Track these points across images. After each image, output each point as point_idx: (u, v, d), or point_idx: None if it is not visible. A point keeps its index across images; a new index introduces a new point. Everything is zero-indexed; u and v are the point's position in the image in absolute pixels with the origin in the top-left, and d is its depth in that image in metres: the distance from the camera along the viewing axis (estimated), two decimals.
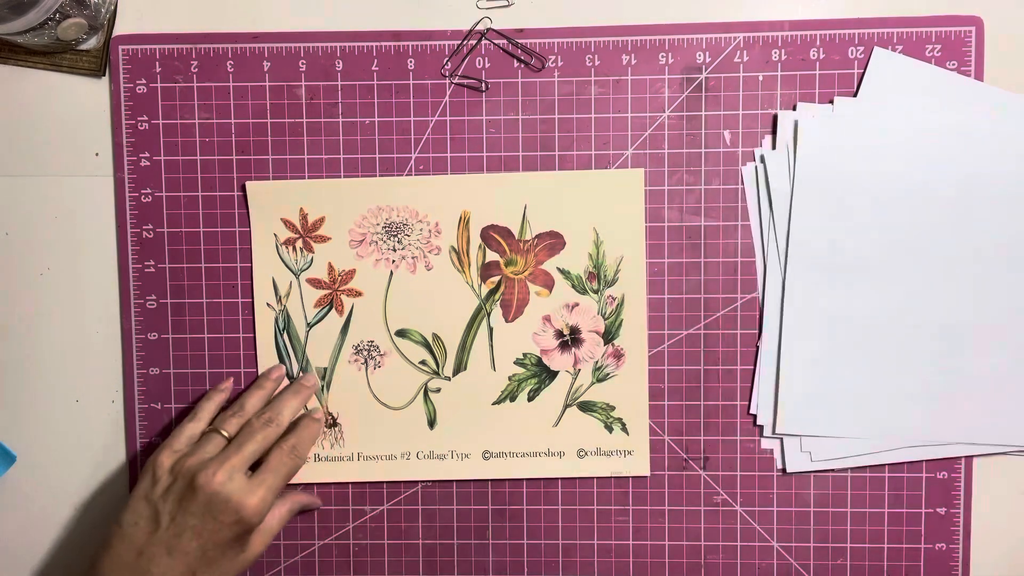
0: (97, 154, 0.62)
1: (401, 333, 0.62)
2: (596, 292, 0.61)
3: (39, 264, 0.63)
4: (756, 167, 0.61)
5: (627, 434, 0.62)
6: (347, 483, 0.63)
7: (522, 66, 0.61)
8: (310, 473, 0.62)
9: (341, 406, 0.62)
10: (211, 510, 0.53)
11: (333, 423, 0.62)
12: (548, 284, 0.62)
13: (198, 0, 0.62)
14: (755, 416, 0.62)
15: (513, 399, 0.62)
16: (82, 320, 0.63)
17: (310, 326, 0.62)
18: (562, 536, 0.63)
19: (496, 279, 0.62)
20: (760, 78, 0.60)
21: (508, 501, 0.63)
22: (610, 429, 0.62)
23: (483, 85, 0.61)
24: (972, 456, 0.61)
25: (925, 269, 0.60)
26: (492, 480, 0.63)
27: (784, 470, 0.62)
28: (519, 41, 0.61)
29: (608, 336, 0.62)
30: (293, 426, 0.59)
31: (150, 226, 0.62)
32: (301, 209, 0.61)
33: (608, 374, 0.62)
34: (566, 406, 0.62)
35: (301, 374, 0.62)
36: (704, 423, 0.62)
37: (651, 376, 0.62)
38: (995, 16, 0.60)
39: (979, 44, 0.60)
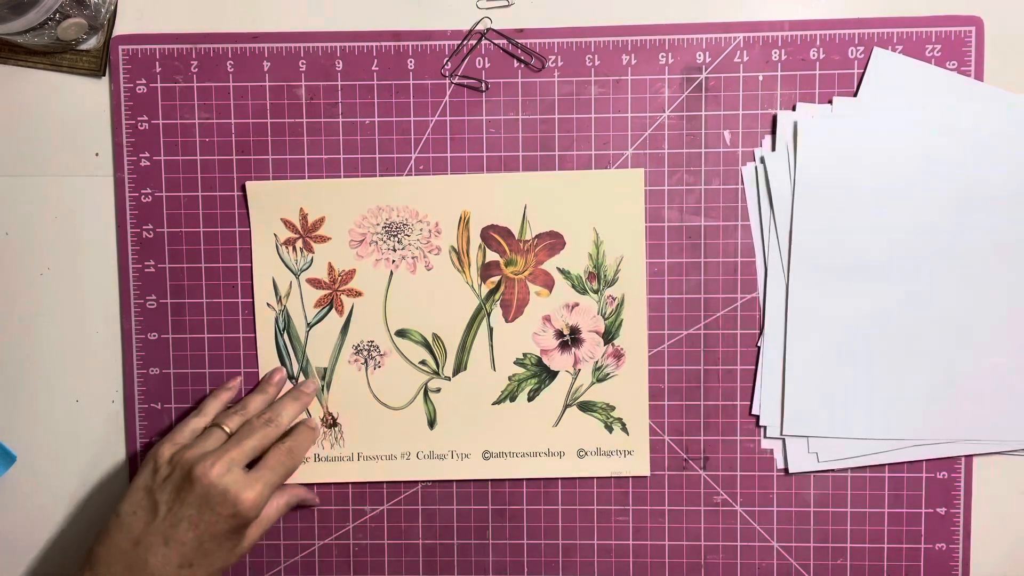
0: (97, 154, 0.62)
1: (401, 333, 0.62)
2: (596, 292, 0.61)
3: (39, 264, 0.63)
4: (756, 167, 0.61)
5: (627, 434, 0.62)
6: (347, 483, 0.63)
7: (522, 66, 0.61)
8: (310, 473, 0.62)
9: (341, 406, 0.62)
10: (208, 501, 0.53)
11: (333, 423, 0.62)
12: (548, 284, 0.62)
13: (198, 0, 0.62)
14: (757, 417, 0.62)
15: (513, 399, 0.62)
16: (82, 320, 0.63)
17: (310, 326, 0.62)
18: (562, 536, 0.63)
19: (496, 279, 0.62)
20: (760, 78, 0.60)
21: (508, 501, 0.63)
22: (610, 429, 0.62)
23: (483, 85, 0.61)
24: (972, 456, 0.61)
25: (925, 269, 0.60)
26: (492, 480, 0.63)
27: (786, 470, 0.62)
28: (519, 41, 0.61)
29: (608, 336, 0.62)
30: (290, 431, 0.59)
31: (150, 226, 0.62)
32: (301, 209, 0.61)
33: (608, 374, 0.62)
34: (566, 406, 0.62)
35: (301, 376, 0.62)
36: (704, 423, 0.62)
37: (651, 376, 0.62)
38: (995, 16, 0.60)
39: (979, 44, 0.60)
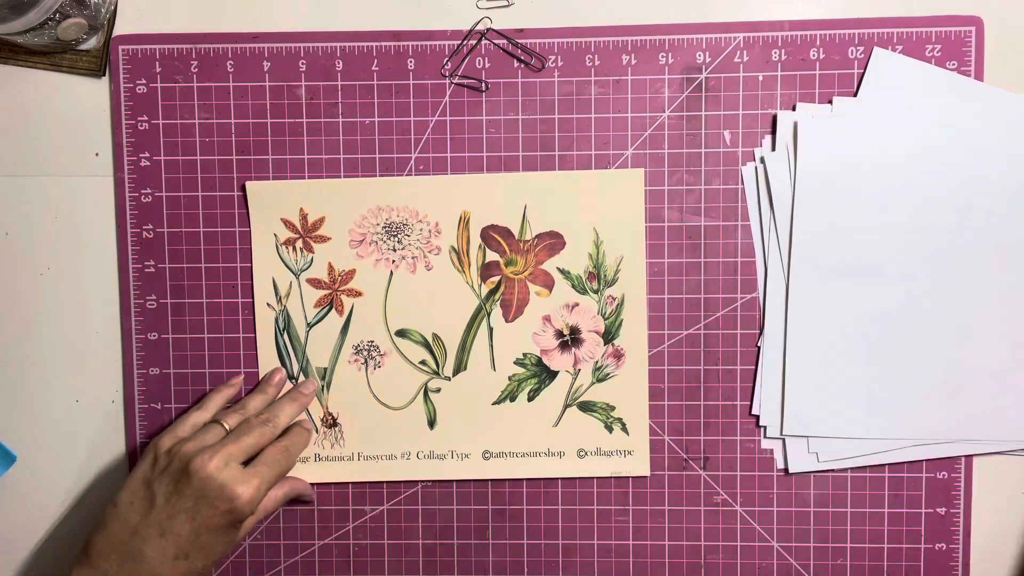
0: (97, 154, 0.62)
1: (401, 333, 0.62)
2: (596, 292, 0.61)
3: (39, 264, 0.63)
4: (756, 167, 0.61)
5: (627, 434, 0.62)
6: (347, 483, 0.63)
7: (522, 66, 0.61)
8: (311, 473, 0.62)
9: (341, 406, 0.62)
10: (206, 495, 0.53)
11: (333, 423, 0.62)
12: (548, 284, 0.62)
13: (198, 0, 0.62)
14: (757, 417, 0.62)
15: (513, 399, 0.62)
16: (82, 320, 0.63)
17: (310, 326, 0.62)
18: (562, 536, 0.63)
19: (496, 279, 0.62)
20: (760, 78, 0.60)
21: (508, 501, 0.63)
22: (610, 429, 0.62)
23: (483, 85, 0.61)
24: (972, 456, 0.61)
25: (925, 269, 0.60)
26: (492, 480, 0.63)
27: (786, 470, 0.62)
28: (519, 41, 0.61)
29: (608, 336, 0.62)
30: (286, 431, 0.60)
31: (150, 226, 0.62)
32: (301, 209, 0.61)
33: (608, 374, 0.62)
34: (566, 406, 0.62)
35: (301, 375, 0.62)
36: (704, 423, 0.62)
37: (651, 376, 0.62)
38: (995, 16, 0.60)
39: (979, 44, 0.60)
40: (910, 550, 0.62)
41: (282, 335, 0.62)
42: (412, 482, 0.63)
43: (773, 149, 0.60)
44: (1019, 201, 0.59)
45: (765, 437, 0.62)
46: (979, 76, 0.60)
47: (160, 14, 0.62)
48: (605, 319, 0.61)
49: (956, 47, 0.60)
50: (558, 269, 0.61)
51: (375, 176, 0.61)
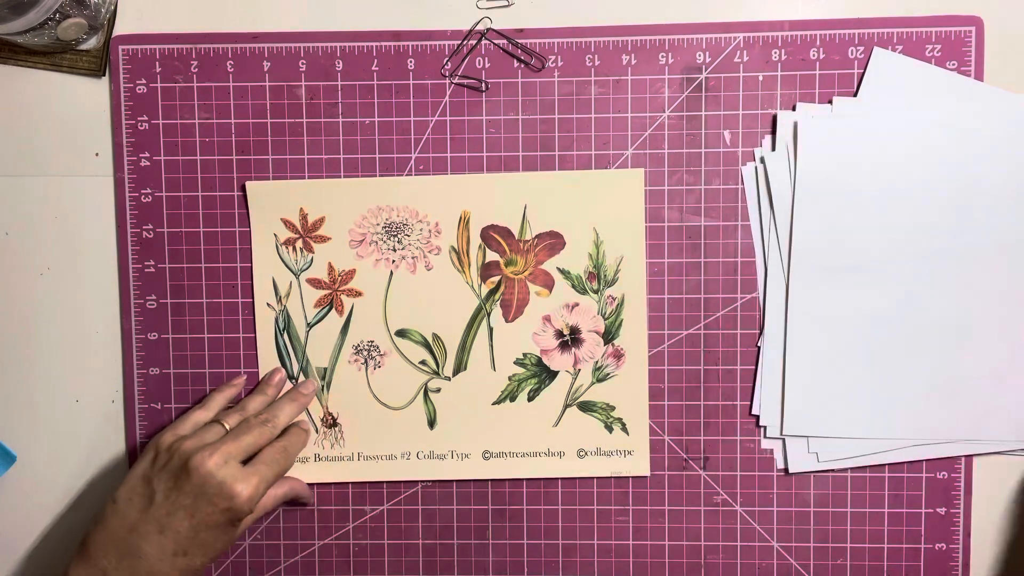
0: (97, 154, 0.62)
1: (401, 333, 0.62)
2: (596, 292, 0.61)
3: (39, 264, 0.63)
4: (756, 167, 0.61)
5: (627, 434, 0.62)
6: (347, 483, 0.63)
7: (522, 66, 0.61)
8: (311, 473, 0.62)
9: (341, 406, 0.62)
10: (205, 492, 0.53)
11: (333, 423, 0.62)
12: (548, 284, 0.62)
13: (198, 0, 0.62)
14: (757, 417, 0.62)
15: (513, 399, 0.62)
16: (82, 320, 0.63)
17: (310, 326, 0.62)
18: (562, 536, 0.63)
19: (496, 279, 0.62)
20: (760, 78, 0.60)
21: (508, 501, 0.63)
22: (610, 429, 0.62)
23: (483, 85, 0.61)
24: (972, 456, 0.61)
25: (925, 269, 0.60)
26: (492, 480, 0.63)
27: (786, 470, 0.62)
28: (519, 41, 0.61)
29: (608, 336, 0.62)
30: (284, 432, 0.60)
31: (150, 226, 0.62)
32: (301, 209, 0.61)
33: (608, 374, 0.62)
34: (566, 406, 0.62)
35: (301, 375, 0.62)
36: (704, 423, 0.62)
37: (651, 376, 0.62)
38: (995, 16, 0.60)
39: (979, 44, 0.60)
40: (910, 550, 0.62)
41: (282, 335, 0.62)
42: (412, 482, 0.63)
43: (773, 149, 0.60)
44: (1019, 201, 0.59)
45: (765, 437, 0.62)
46: (979, 76, 0.60)
47: (160, 14, 0.62)
48: (605, 319, 0.61)
49: (956, 47, 0.60)
50: (558, 269, 0.61)
51: (375, 176, 0.61)
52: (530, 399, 0.62)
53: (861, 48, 0.60)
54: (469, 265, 0.62)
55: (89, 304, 0.63)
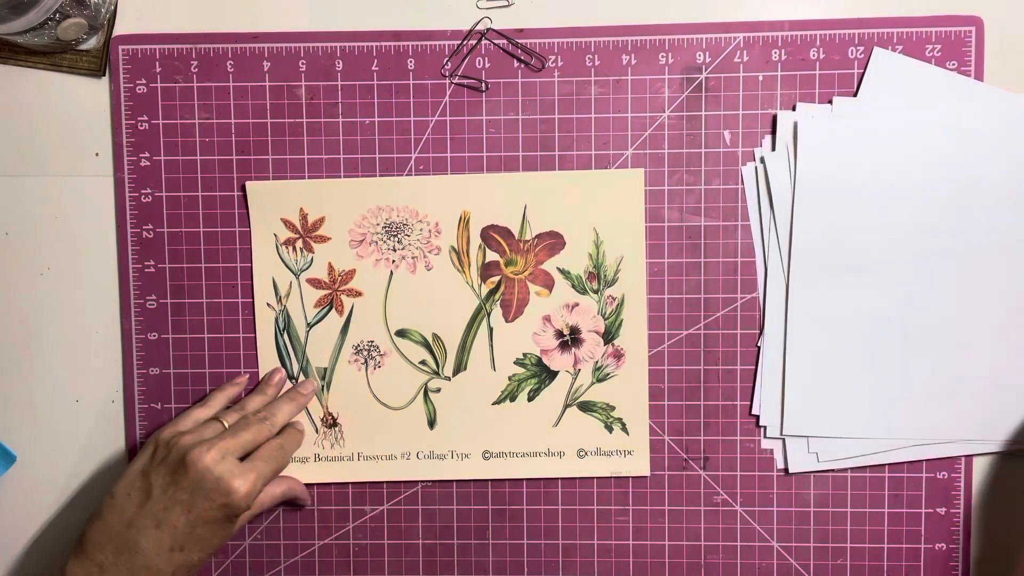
0: (97, 154, 0.62)
1: (401, 333, 0.62)
2: (596, 292, 0.61)
3: (39, 264, 0.63)
4: (756, 167, 0.61)
5: (627, 434, 0.62)
6: (347, 483, 0.63)
7: (522, 66, 0.61)
8: (311, 473, 0.62)
9: (341, 406, 0.62)
10: (202, 487, 0.53)
11: (333, 423, 0.62)
12: (548, 284, 0.62)
13: (198, 0, 0.62)
14: (757, 417, 0.62)
15: (513, 399, 0.62)
16: (82, 320, 0.63)
17: (310, 326, 0.62)
18: (562, 536, 0.63)
19: (496, 279, 0.62)
20: (760, 78, 0.60)
21: (508, 501, 0.63)
22: (610, 429, 0.62)
23: (483, 85, 0.61)
24: (972, 456, 0.61)
25: (925, 269, 0.60)
26: (492, 480, 0.63)
27: (786, 470, 0.62)
28: (519, 41, 0.61)
29: (608, 336, 0.62)
30: (280, 431, 0.60)
31: (150, 226, 0.62)
32: (301, 209, 0.61)
33: (608, 374, 0.62)
34: (566, 406, 0.62)
35: (301, 375, 0.62)
36: (704, 423, 0.62)
37: (651, 376, 0.62)
38: (995, 16, 0.60)
39: (979, 44, 0.60)
40: (910, 550, 0.62)
41: (282, 335, 0.62)
42: (412, 482, 0.63)
43: (773, 149, 0.60)
44: (1019, 201, 0.59)
45: (765, 437, 0.62)
46: (979, 76, 0.60)
47: (160, 14, 0.62)
48: (605, 319, 0.61)
49: (956, 47, 0.60)
50: (558, 269, 0.61)
51: (375, 176, 0.61)
52: (530, 399, 0.62)
53: (861, 48, 0.60)
54: (469, 265, 0.62)
55: (89, 304, 0.63)
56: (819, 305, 0.60)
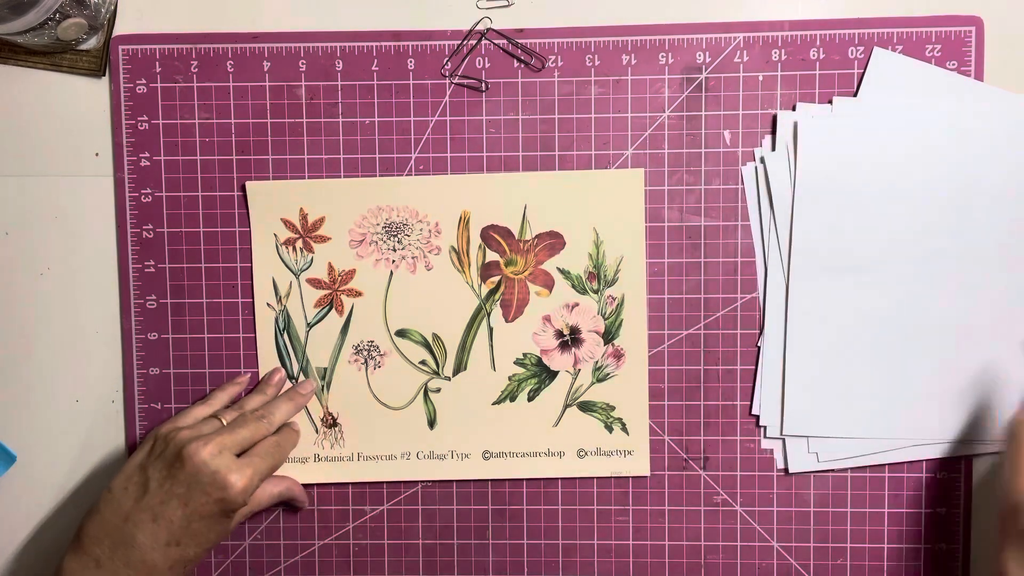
0: (97, 154, 0.62)
1: (401, 333, 0.62)
2: (596, 292, 0.61)
3: (39, 264, 0.63)
4: (756, 167, 0.61)
5: (627, 434, 0.62)
6: (347, 483, 0.63)
7: (522, 66, 0.61)
8: (311, 473, 0.62)
9: (341, 406, 0.62)
10: (199, 481, 0.53)
11: (333, 423, 0.62)
12: (548, 284, 0.62)
13: (198, 0, 0.62)
14: (757, 417, 0.62)
15: (513, 399, 0.62)
16: (82, 320, 0.63)
17: (310, 326, 0.62)
18: (562, 536, 0.63)
19: (496, 279, 0.62)
20: (760, 78, 0.60)
21: (508, 501, 0.63)
22: (610, 429, 0.62)
23: (483, 85, 0.61)
24: (972, 456, 0.61)
25: (925, 269, 0.60)
26: (492, 480, 0.63)
27: (786, 470, 0.62)
28: (519, 41, 0.61)
29: (608, 336, 0.62)
30: (277, 431, 0.60)
31: (150, 226, 0.62)
32: (301, 209, 0.61)
33: (608, 374, 0.62)
34: (566, 406, 0.62)
35: (301, 375, 0.62)
36: (704, 423, 0.62)
37: (651, 376, 0.62)
38: (995, 16, 0.60)
39: (979, 44, 0.60)
40: (910, 550, 0.62)
41: (282, 335, 0.62)
42: (412, 482, 0.63)
43: (773, 149, 0.60)
44: (1019, 201, 0.59)
45: (765, 437, 0.62)
46: (979, 76, 0.60)
47: (160, 14, 0.62)
48: (605, 319, 0.61)
49: (956, 47, 0.60)
50: (558, 269, 0.61)
51: (375, 176, 0.61)
52: (530, 399, 0.62)
53: (861, 48, 0.60)
54: (469, 265, 0.62)
55: (89, 304, 0.63)
56: (819, 305, 0.60)
